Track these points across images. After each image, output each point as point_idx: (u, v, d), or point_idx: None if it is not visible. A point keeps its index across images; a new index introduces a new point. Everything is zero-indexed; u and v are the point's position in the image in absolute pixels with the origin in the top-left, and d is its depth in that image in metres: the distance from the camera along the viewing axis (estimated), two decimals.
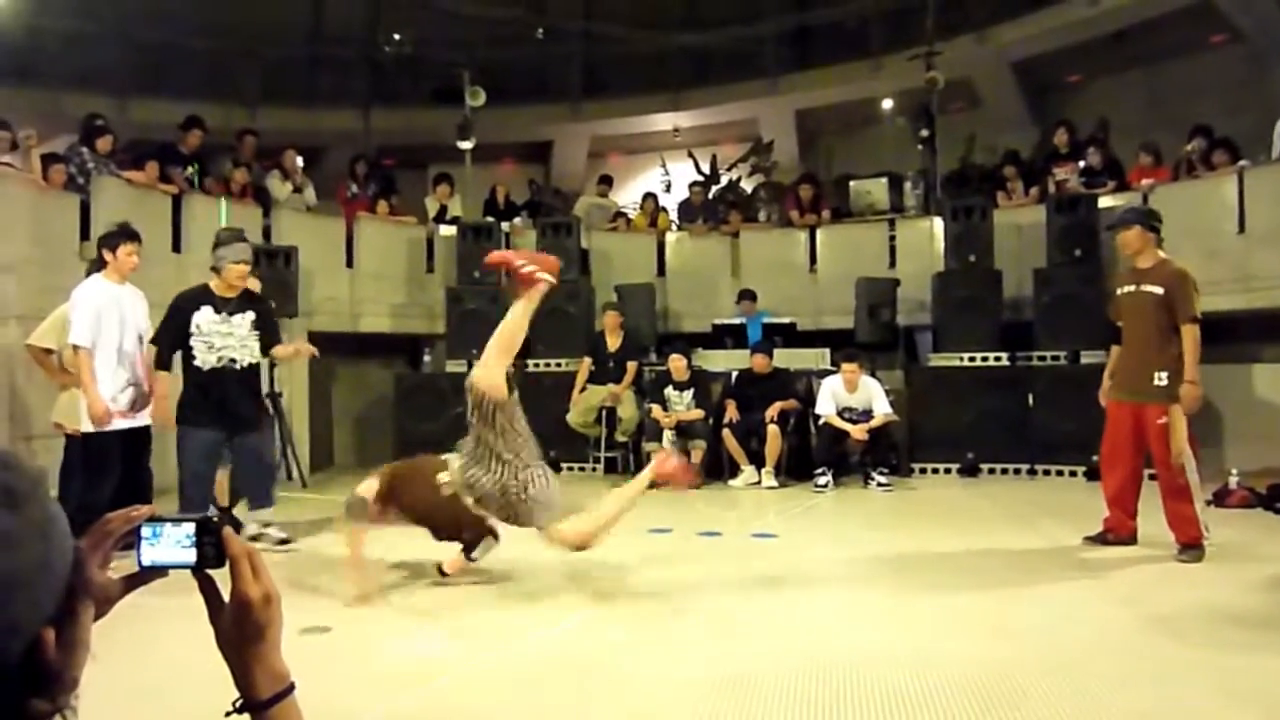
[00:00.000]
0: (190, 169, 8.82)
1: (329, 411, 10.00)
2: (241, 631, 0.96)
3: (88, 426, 5.15)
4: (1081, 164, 9.55)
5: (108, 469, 5.18)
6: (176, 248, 8.27)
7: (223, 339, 5.36)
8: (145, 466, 5.48)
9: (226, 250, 5.44)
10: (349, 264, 9.76)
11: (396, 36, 12.19)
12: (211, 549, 0.97)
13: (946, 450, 8.38)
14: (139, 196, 8.05)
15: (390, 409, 9.46)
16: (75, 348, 5.12)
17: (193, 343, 5.34)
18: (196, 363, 5.36)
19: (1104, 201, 8.77)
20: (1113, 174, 9.39)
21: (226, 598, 0.98)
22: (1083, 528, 5.43)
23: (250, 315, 5.49)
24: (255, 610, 0.96)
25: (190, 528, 0.97)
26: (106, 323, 5.19)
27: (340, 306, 9.63)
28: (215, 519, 0.99)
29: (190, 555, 0.97)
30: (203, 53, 12.91)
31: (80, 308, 5.17)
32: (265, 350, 5.58)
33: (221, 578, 1.00)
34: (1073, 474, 7.89)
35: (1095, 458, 7.64)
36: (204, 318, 5.36)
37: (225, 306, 5.43)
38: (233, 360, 5.39)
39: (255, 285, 5.99)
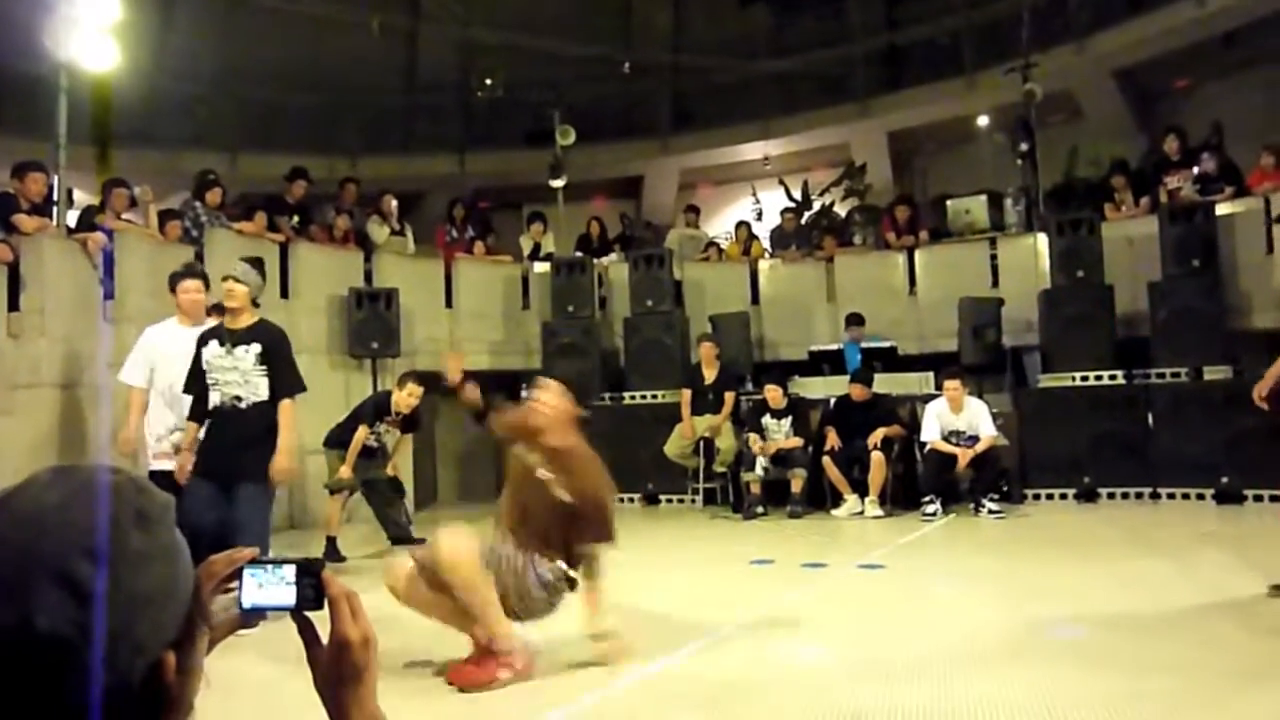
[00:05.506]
0: (294, 218, 9.17)
1: (433, 449, 10.18)
2: (339, 673, 0.96)
3: (145, 465, 5.23)
4: (1195, 170, 9.11)
5: None
6: (284, 294, 8.59)
7: (225, 374, 4.59)
8: None
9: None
10: (448, 304, 9.98)
11: (488, 81, 12.50)
12: (311, 591, 0.96)
13: (1061, 475, 8.02)
14: (249, 246, 8.37)
15: (491, 445, 9.56)
16: (129, 386, 5.28)
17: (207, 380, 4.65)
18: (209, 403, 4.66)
19: (1222, 209, 8.35)
20: (1230, 179, 8.93)
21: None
22: (1219, 550, 5.11)
23: (256, 348, 4.63)
24: (354, 652, 0.95)
25: (291, 570, 0.97)
26: (160, 364, 5.22)
27: (441, 346, 9.81)
28: (316, 561, 0.98)
29: (290, 597, 0.96)
30: (306, 108, 13.53)
31: (137, 347, 5.36)
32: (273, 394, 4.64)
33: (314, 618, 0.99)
34: (1200, 497, 7.46)
35: (1224, 479, 7.30)
36: (210, 352, 4.66)
37: (229, 338, 4.66)
38: (236, 398, 4.59)
39: None
